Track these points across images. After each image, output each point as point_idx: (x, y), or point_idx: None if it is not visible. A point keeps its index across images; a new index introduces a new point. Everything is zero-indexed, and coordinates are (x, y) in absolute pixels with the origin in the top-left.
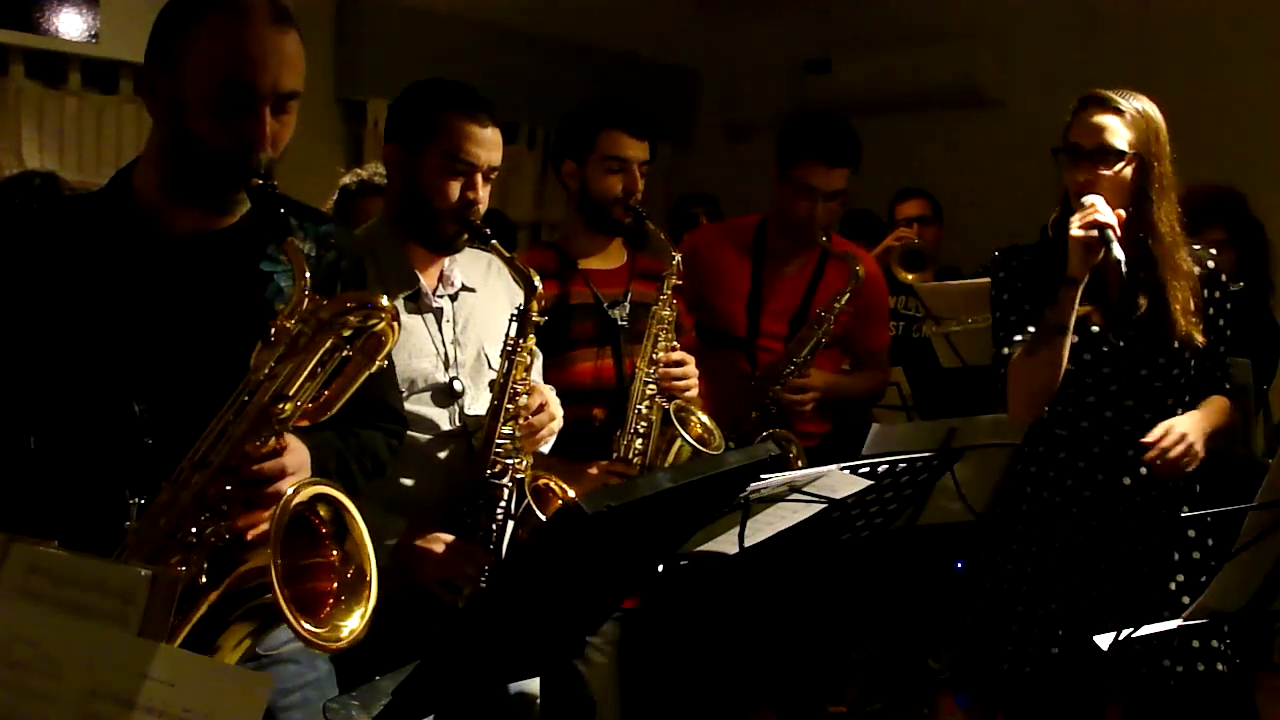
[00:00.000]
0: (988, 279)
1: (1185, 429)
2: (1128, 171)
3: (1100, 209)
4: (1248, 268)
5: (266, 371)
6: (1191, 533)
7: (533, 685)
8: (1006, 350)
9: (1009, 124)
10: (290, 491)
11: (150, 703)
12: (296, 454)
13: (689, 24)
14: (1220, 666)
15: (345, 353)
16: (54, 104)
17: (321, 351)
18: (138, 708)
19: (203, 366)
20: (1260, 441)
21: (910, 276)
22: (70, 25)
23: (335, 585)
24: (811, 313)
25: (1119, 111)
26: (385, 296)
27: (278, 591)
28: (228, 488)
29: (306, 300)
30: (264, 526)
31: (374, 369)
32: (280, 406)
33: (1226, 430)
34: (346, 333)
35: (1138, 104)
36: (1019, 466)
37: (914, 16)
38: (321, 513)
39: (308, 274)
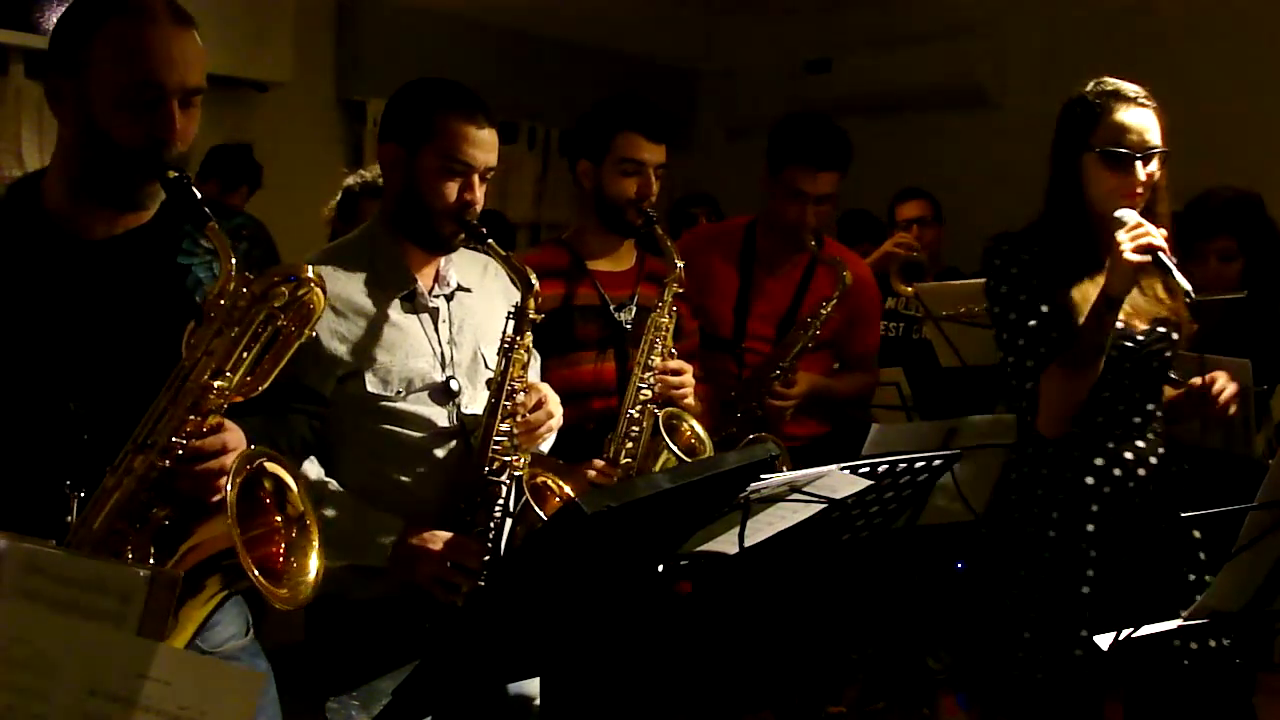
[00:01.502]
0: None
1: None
2: (1160, 170)
3: (1150, 230)
4: (1257, 275)
5: (202, 351)
6: (1197, 533)
7: (532, 685)
8: (1031, 363)
9: (1009, 124)
10: (237, 464)
11: (148, 701)
12: (235, 433)
13: (689, 24)
14: (1212, 643)
15: (280, 322)
16: None
17: (255, 325)
18: (136, 706)
19: (133, 361)
20: (1260, 442)
21: (909, 289)
22: None
23: (283, 546)
24: (799, 316)
25: (1149, 104)
26: (310, 267)
27: (243, 558)
28: (169, 467)
29: (234, 281)
30: (220, 496)
31: (304, 339)
32: (217, 383)
33: None
34: (278, 304)
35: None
36: (1025, 469)
37: (914, 16)
38: (265, 483)
39: (233, 257)
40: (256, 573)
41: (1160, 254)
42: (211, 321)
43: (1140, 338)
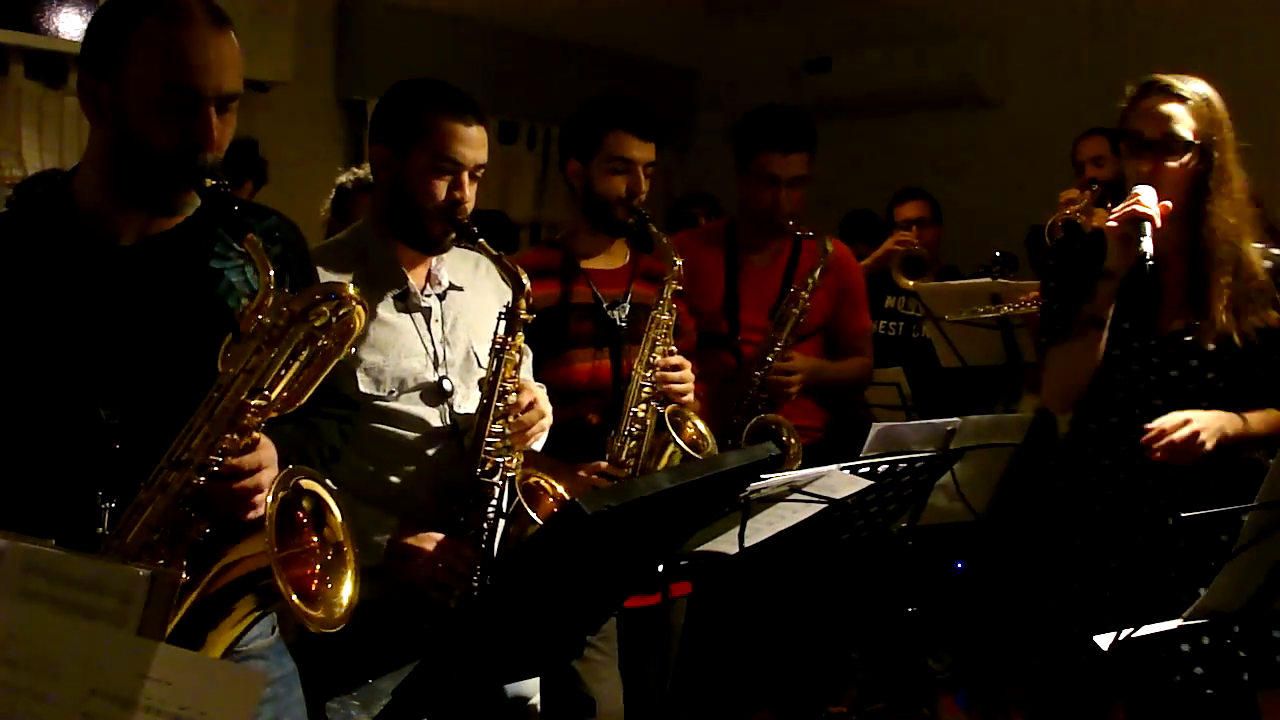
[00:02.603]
0: (988, 279)
1: (1196, 418)
2: (1191, 163)
3: (1144, 200)
4: None
5: (240, 368)
6: (1225, 536)
7: (531, 686)
8: (1045, 339)
9: (1009, 124)
10: (277, 482)
11: (148, 701)
12: (269, 449)
13: (689, 24)
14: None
15: (321, 342)
16: (54, 104)
17: (294, 344)
18: (136, 707)
19: (165, 368)
20: None
21: (911, 283)
22: (70, 25)
23: (318, 568)
24: (788, 295)
25: (1182, 99)
26: (351, 285)
27: (279, 579)
28: (204, 484)
29: (272, 296)
30: (256, 513)
31: (342, 356)
32: (255, 401)
33: (1265, 439)
34: (318, 323)
35: (1201, 90)
36: (1052, 462)
37: (914, 16)
38: (304, 503)
39: (271, 270)
40: (295, 597)
41: (1143, 224)
42: (249, 339)
43: (1153, 343)
